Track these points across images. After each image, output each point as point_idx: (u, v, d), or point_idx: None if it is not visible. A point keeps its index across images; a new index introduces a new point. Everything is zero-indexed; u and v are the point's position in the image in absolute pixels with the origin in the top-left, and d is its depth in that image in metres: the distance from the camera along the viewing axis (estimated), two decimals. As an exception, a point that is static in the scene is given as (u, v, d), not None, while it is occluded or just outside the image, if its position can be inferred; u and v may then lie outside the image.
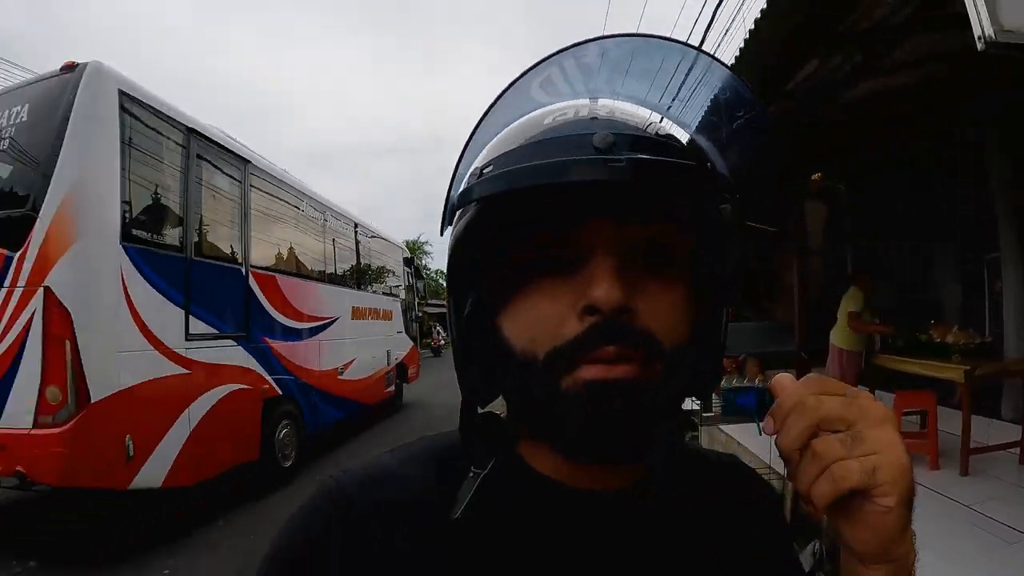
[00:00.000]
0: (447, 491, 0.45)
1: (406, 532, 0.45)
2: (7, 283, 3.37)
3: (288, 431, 5.58)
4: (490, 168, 0.42)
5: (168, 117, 4.27)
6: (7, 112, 3.68)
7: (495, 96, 0.44)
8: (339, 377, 6.98)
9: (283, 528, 0.47)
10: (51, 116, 3.50)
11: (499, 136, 0.45)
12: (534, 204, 0.41)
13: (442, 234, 0.46)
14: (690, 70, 0.45)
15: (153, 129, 4.10)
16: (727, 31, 4.52)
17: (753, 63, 3.63)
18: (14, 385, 3.30)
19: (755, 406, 4.91)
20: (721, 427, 4.99)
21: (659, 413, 0.43)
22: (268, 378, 5.22)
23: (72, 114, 3.43)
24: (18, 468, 3.19)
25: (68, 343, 3.27)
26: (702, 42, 5.22)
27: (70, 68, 3.61)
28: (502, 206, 0.42)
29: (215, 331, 4.53)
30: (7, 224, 3.42)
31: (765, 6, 3.13)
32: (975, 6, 1.27)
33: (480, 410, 0.49)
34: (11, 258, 3.36)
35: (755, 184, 0.43)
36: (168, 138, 4.27)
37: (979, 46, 1.28)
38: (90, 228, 3.47)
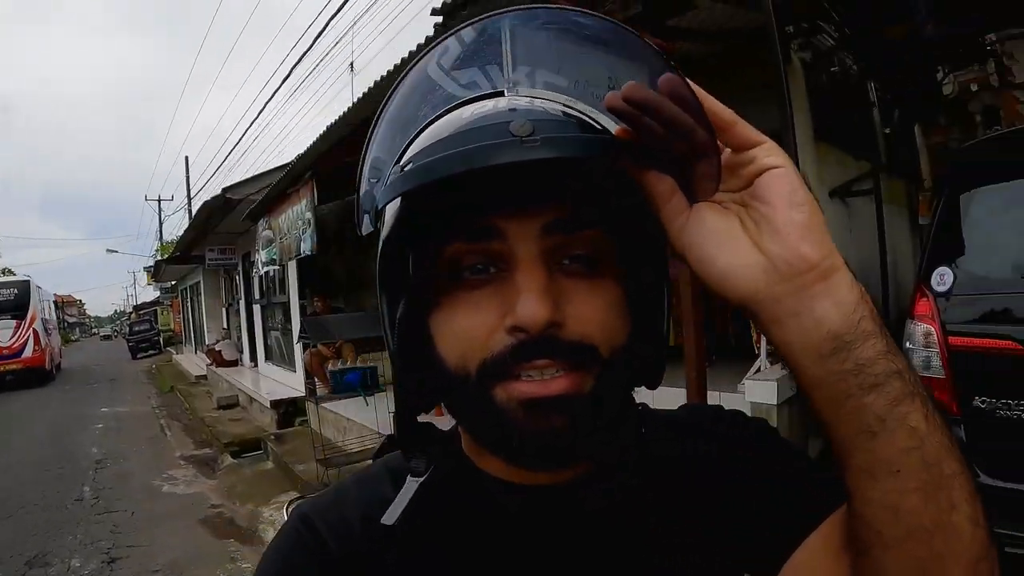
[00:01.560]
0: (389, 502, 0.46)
1: (365, 545, 0.47)
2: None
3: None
4: (410, 165, 0.40)
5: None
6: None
7: (395, 85, 0.44)
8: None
9: (261, 567, 0.48)
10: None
11: (422, 135, 0.42)
12: (456, 201, 0.40)
13: (361, 234, 0.45)
14: (610, 49, 0.41)
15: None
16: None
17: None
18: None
19: (359, 382, 5.97)
20: (327, 406, 5.85)
21: (600, 418, 0.42)
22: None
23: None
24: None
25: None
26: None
27: None
28: (427, 203, 0.40)
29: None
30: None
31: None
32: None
33: (419, 418, 0.49)
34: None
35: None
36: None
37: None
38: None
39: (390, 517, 0.44)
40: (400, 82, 0.44)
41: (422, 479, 0.46)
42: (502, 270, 0.42)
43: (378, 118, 0.44)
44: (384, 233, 0.43)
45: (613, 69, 0.40)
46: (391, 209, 0.43)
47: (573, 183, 0.40)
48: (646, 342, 0.46)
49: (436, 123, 0.41)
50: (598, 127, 0.39)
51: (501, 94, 0.41)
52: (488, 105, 0.41)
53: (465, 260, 0.43)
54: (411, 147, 0.41)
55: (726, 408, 0.58)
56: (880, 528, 0.36)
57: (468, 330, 0.42)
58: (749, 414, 0.58)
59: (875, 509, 0.36)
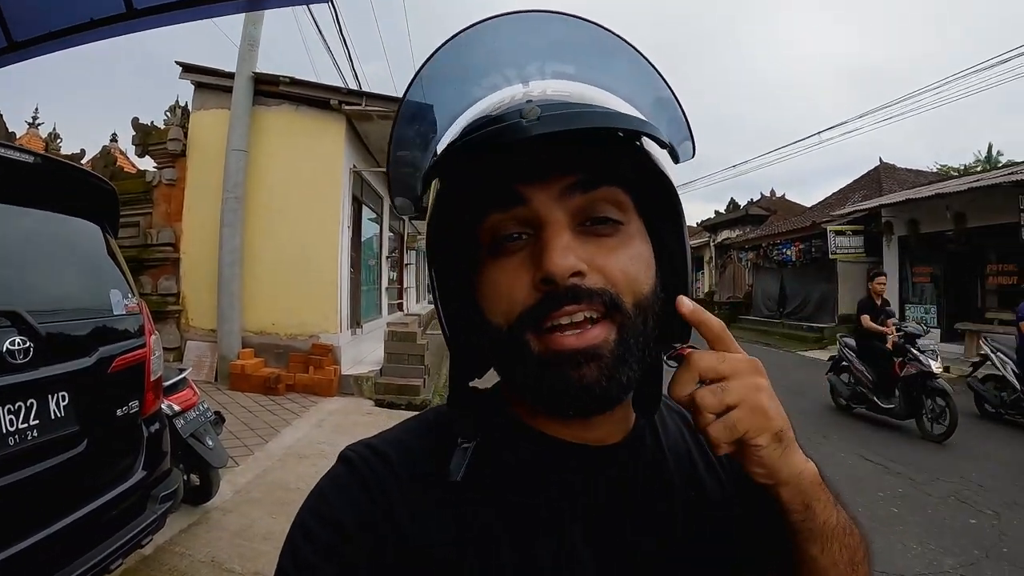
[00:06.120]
0: (445, 456, 0.49)
1: (416, 495, 0.48)
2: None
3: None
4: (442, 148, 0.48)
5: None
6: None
7: (412, 78, 0.51)
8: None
9: (315, 500, 0.48)
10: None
11: (448, 131, 0.50)
12: (484, 176, 0.46)
13: (402, 215, 0.50)
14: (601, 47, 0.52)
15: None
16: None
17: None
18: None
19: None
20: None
21: (627, 367, 0.46)
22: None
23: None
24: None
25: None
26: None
27: None
28: (457, 186, 0.48)
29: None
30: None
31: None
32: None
33: (472, 382, 0.53)
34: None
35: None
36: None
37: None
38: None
39: (455, 475, 0.47)
40: (412, 82, 0.52)
41: (471, 444, 0.49)
42: (531, 235, 0.47)
43: (395, 124, 0.53)
44: (430, 212, 0.50)
45: (603, 52, 0.52)
46: (433, 194, 0.50)
47: (583, 150, 0.45)
48: (671, 296, 0.49)
49: (460, 119, 0.50)
50: (598, 106, 0.47)
51: (518, 88, 0.51)
52: (506, 98, 0.50)
53: (502, 229, 0.48)
54: (442, 140, 0.50)
55: None
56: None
57: (508, 290, 0.47)
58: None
59: (816, 565, 0.49)
